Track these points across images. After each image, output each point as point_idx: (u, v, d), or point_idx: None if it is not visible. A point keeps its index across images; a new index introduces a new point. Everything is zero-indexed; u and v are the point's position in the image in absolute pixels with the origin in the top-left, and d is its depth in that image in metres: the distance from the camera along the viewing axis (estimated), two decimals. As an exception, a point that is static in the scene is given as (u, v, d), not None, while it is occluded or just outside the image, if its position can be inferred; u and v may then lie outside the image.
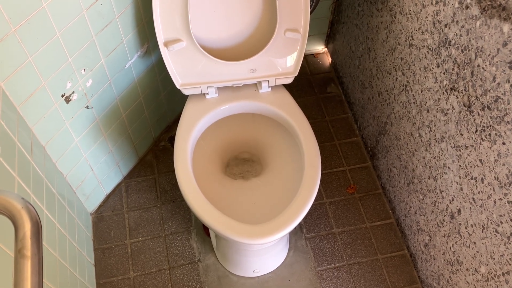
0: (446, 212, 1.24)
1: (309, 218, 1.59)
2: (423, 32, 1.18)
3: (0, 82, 0.96)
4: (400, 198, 1.52)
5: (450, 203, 1.21)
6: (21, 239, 0.51)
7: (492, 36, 0.92)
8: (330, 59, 1.98)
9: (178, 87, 1.31)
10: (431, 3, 1.12)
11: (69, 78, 1.15)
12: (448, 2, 1.05)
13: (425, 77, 1.21)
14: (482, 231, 1.09)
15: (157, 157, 1.71)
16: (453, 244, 1.24)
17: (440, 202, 1.26)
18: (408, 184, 1.44)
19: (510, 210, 0.97)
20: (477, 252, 1.13)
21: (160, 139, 1.75)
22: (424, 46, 1.18)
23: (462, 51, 1.03)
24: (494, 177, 1.00)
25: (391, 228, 1.58)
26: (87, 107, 1.28)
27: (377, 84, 1.53)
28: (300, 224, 1.58)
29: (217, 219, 1.13)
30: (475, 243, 1.13)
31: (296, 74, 1.36)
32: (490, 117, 0.97)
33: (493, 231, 1.05)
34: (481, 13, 0.94)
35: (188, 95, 1.36)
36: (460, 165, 1.13)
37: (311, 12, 1.51)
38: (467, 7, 0.98)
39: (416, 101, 1.29)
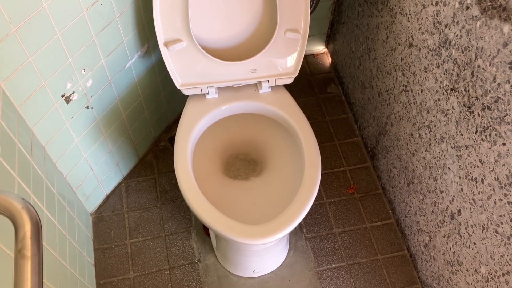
0: (446, 213, 1.24)
1: (309, 218, 1.59)
2: (423, 33, 1.18)
3: (0, 82, 0.96)
4: (400, 198, 1.52)
5: (450, 203, 1.21)
6: (21, 240, 0.51)
7: (492, 37, 0.92)
8: (330, 60, 1.98)
9: (178, 87, 1.31)
10: (432, 4, 1.12)
11: (69, 78, 1.15)
12: (449, 2, 1.05)
13: (425, 78, 1.21)
14: (482, 232, 1.09)
15: (157, 157, 1.71)
16: (453, 245, 1.24)
17: (440, 203, 1.26)
18: (408, 184, 1.44)
19: (510, 211, 0.97)
20: (477, 252, 1.13)
21: (160, 139, 1.75)
22: (425, 47, 1.18)
23: (463, 52, 1.03)
24: (494, 177, 1.00)
25: (391, 229, 1.58)
26: (87, 107, 1.28)
27: (377, 84, 1.53)
28: (300, 224, 1.58)
29: (217, 219, 1.13)
30: (475, 243, 1.13)
31: (296, 75, 1.36)
32: (490, 117, 0.97)
33: (493, 232, 1.05)
34: (482, 14, 0.94)
35: (188, 95, 1.36)
36: (460, 166, 1.13)
37: (311, 13, 1.51)
38: (467, 8, 0.98)
39: (416, 101, 1.28)
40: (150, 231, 1.55)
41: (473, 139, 1.05)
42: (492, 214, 1.03)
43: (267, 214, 1.22)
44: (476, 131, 1.03)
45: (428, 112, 1.23)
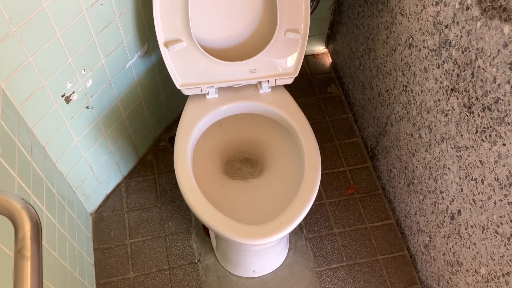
0: (446, 213, 1.24)
1: (309, 218, 1.59)
2: (423, 33, 1.18)
3: (0, 82, 0.96)
4: (400, 198, 1.52)
5: (450, 204, 1.21)
6: (21, 240, 0.51)
7: (492, 37, 0.92)
8: (330, 60, 1.98)
9: (178, 87, 1.31)
10: (432, 4, 1.12)
11: (69, 78, 1.15)
12: (449, 3, 1.04)
13: (425, 78, 1.21)
14: (482, 232, 1.09)
15: (157, 157, 1.71)
16: (453, 245, 1.24)
17: (440, 203, 1.26)
18: (408, 184, 1.44)
19: (510, 211, 0.97)
20: (477, 253, 1.13)
21: (160, 139, 1.75)
22: (425, 47, 1.18)
23: (463, 52, 1.03)
24: (494, 178, 1.00)
25: (391, 229, 1.58)
26: (87, 107, 1.28)
27: (377, 84, 1.53)
28: (300, 224, 1.58)
29: (217, 219, 1.13)
30: (475, 244, 1.13)
31: (296, 75, 1.36)
32: (491, 118, 0.97)
33: (493, 232, 1.05)
34: (482, 14, 0.94)
35: (188, 95, 1.36)
36: (460, 166, 1.13)
37: (311, 13, 1.51)
38: (467, 8, 0.98)
39: (416, 101, 1.28)
40: (150, 231, 1.55)
41: (473, 139, 1.05)
42: (492, 214, 1.03)
43: (267, 214, 1.22)
44: (476, 132, 1.03)
45: (428, 112, 1.23)
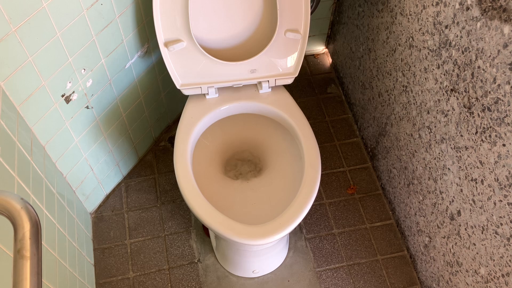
0: (446, 213, 1.24)
1: (309, 218, 1.59)
2: (423, 33, 1.18)
3: (0, 82, 0.96)
4: (400, 199, 1.52)
5: (450, 204, 1.21)
6: (20, 240, 0.51)
7: (492, 38, 0.92)
8: (330, 60, 1.98)
9: (178, 87, 1.31)
10: (432, 4, 1.12)
11: (69, 78, 1.15)
12: (449, 3, 1.04)
13: (425, 78, 1.21)
14: (482, 233, 1.09)
15: (157, 157, 1.71)
16: (453, 246, 1.24)
17: (440, 203, 1.26)
18: (408, 185, 1.44)
19: (510, 212, 0.97)
20: (477, 253, 1.13)
21: (160, 139, 1.75)
22: (425, 47, 1.18)
23: (463, 53, 1.03)
24: (494, 178, 1.00)
25: (391, 229, 1.58)
26: (87, 107, 1.28)
27: (377, 85, 1.53)
28: (300, 224, 1.58)
29: (217, 219, 1.13)
30: (475, 244, 1.13)
31: (296, 75, 1.36)
32: (490, 118, 0.97)
33: (493, 233, 1.05)
34: (482, 15, 0.94)
35: (188, 95, 1.36)
36: (460, 167, 1.13)
37: (311, 13, 1.51)
38: (467, 9, 0.98)
39: (416, 102, 1.28)
40: (149, 231, 1.55)
41: (473, 140, 1.05)
42: (492, 215, 1.03)
43: (267, 214, 1.22)
44: (476, 132, 1.03)
45: (428, 112, 1.23)
